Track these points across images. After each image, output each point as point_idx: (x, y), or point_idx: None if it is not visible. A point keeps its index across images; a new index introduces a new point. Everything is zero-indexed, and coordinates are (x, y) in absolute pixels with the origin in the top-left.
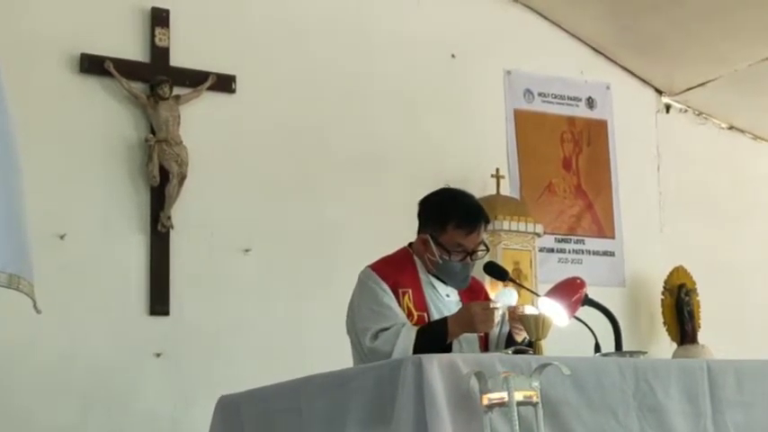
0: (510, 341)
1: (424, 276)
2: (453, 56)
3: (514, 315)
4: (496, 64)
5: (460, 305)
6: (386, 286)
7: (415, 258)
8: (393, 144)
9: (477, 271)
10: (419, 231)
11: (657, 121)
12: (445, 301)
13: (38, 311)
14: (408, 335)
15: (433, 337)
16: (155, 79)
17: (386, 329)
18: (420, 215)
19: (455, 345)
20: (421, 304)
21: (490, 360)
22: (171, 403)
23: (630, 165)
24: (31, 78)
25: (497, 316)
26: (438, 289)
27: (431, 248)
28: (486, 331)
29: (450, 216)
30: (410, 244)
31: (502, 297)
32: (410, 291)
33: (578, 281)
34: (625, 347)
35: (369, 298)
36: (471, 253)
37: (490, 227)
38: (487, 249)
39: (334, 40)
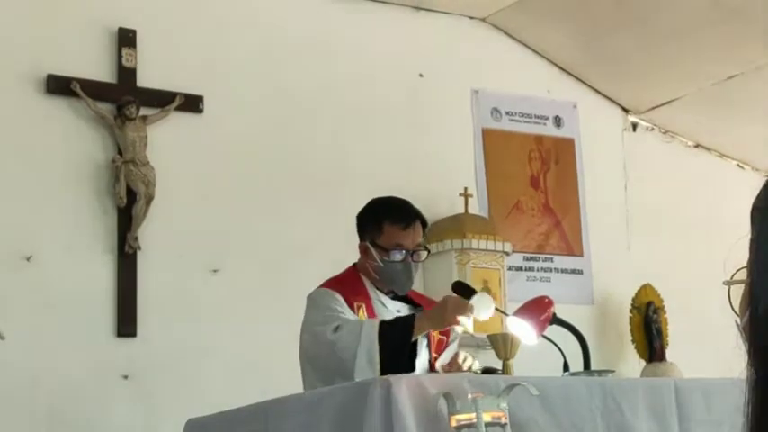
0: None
1: (372, 293)
2: (421, 75)
3: (454, 363)
4: (464, 83)
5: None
6: (340, 297)
7: (362, 276)
8: (361, 164)
9: (445, 289)
10: (359, 244)
11: (624, 140)
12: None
13: (1, 338)
14: (371, 327)
15: (399, 331)
16: (122, 100)
17: (347, 323)
18: (358, 227)
19: None
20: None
21: (459, 381)
22: (139, 425)
23: (598, 183)
24: None
25: (469, 317)
26: (387, 305)
27: (371, 254)
28: (452, 325)
29: (385, 214)
30: (355, 264)
31: (479, 303)
32: (363, 305)
33: (546, 299)
34: (594, 366)
35: (323, 307)
36: (412, 253)
37: (458, 245)
38: (428, 251)
39: (301, 61)
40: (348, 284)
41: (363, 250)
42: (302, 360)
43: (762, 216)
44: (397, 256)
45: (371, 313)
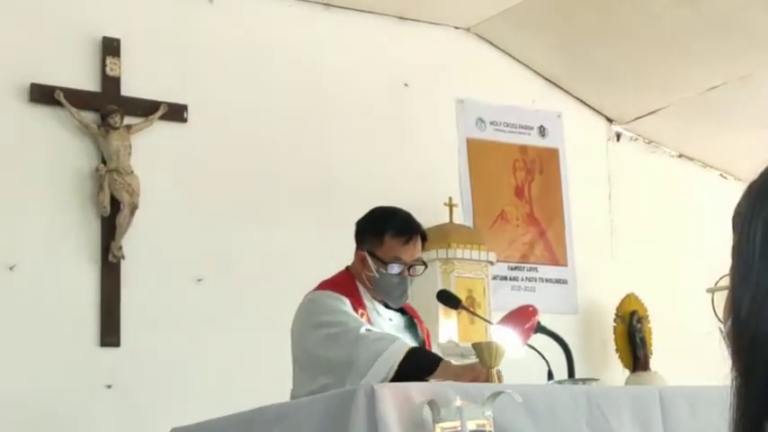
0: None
1: (368, 302)
2: (406, 85)
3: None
4: (449, 93)
5: (401, 327)
6: (348, 302)
7: (358, 283)
8: (346, 173)
9: (429, 299)
10: (356, 251)
11: (608, 150)
12: (388, 326)
13: None
14: (402, 347)
15: (423, 365)
16: (106, 109)
17: (380, 332)
18: (357, 234)
19: None
20: None
21: (443, 389)
22: None
23: (582, 193)
24: None
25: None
26: (381, 314)
27: (368, 264)
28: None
29: (388, 226)
30: (348, 268)
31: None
32: (366, 312)
33: (530, 308)
34: (578, 374)
35: (335, 310)
36: (409, 267)
37: (443, 255)
38: (425, 266)
39: (286, 70)
40: (348, 290)
41: (360, 259)
42: (302, 357)
43: (742, 222)
44: (395, 269)
45: (369, 322)
